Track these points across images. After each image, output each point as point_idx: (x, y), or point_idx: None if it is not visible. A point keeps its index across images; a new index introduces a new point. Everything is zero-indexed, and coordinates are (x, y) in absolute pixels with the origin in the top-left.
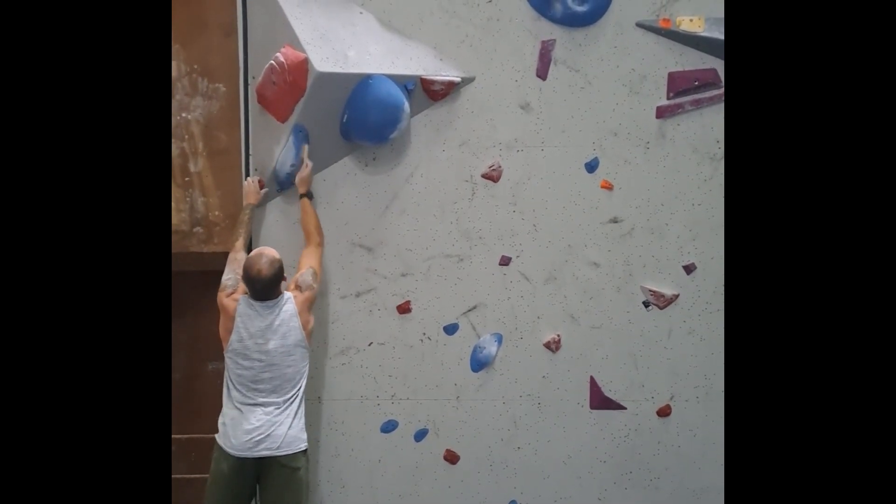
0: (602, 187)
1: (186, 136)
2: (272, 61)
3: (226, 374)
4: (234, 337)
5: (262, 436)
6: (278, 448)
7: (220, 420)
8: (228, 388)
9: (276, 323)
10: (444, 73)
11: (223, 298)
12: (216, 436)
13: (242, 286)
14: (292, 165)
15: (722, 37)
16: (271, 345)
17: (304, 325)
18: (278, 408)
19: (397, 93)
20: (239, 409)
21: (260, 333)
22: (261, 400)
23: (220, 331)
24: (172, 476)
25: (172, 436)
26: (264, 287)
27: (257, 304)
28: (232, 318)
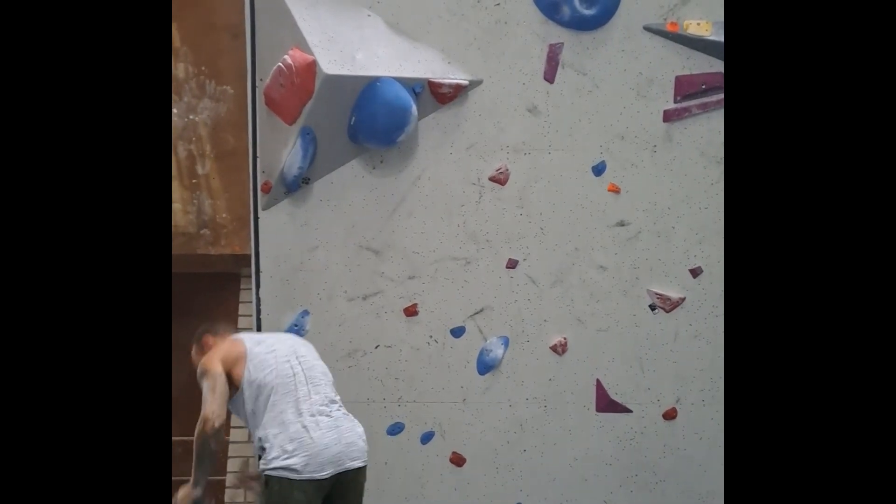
0: (609, 191)
1: (194, 138)
2: (280, 63)
3: (259, 412)
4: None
5: (347, 443)
6: (362, 457)
7: (280, 448)
8: (277, 405)
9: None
10: (452, 76)
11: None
12: (276, 471)
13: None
14: (300, 168)
15: None
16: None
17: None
18: (341, 407)
19: (405, 95)
20: (303, 424)
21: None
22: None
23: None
24: (173, 478)
25: (175, 438)
26: None
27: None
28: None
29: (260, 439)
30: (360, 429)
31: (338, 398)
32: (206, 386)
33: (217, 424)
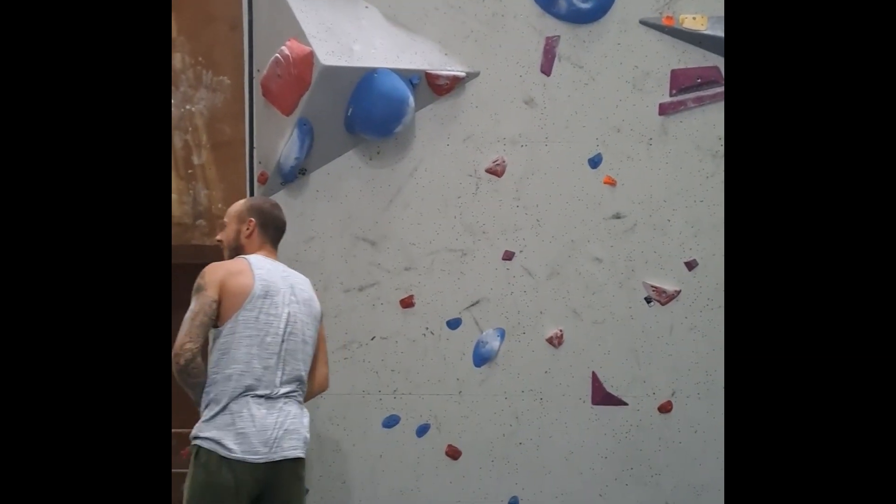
0: (605, 183)
1: (190, 129)
2: (277, 54)
3: (222, 366)
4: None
5: (287, 430)
6: (303, 447)
7: (220, 418)
8: (241, 376)
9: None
10: (449, 67)
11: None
12: (206, 442)
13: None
14: (296, 159)
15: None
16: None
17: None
18: (298, 392)
19: (402, 87)
20: (251, 400)
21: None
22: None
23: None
24: (173, 470)
25: (174, 430)
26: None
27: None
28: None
29: (208, 392)
30: (307, 419)
31: (301, 383)
32: (190, 308)
33: (182, 362)
